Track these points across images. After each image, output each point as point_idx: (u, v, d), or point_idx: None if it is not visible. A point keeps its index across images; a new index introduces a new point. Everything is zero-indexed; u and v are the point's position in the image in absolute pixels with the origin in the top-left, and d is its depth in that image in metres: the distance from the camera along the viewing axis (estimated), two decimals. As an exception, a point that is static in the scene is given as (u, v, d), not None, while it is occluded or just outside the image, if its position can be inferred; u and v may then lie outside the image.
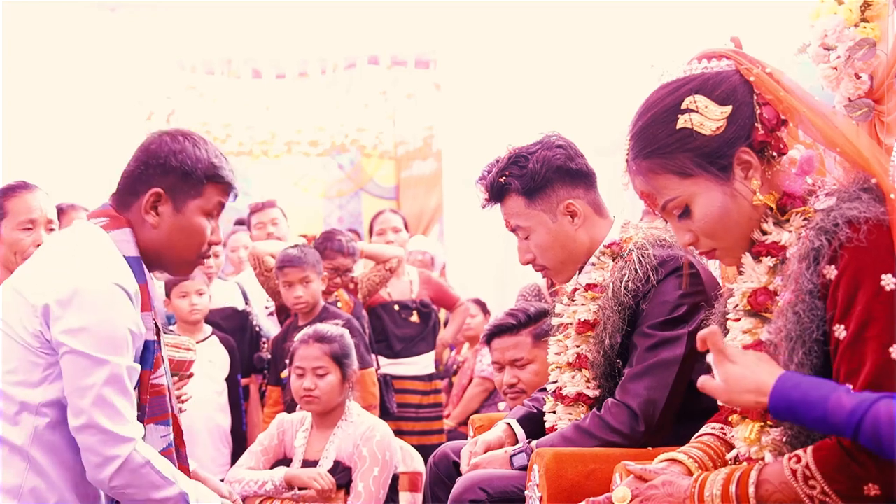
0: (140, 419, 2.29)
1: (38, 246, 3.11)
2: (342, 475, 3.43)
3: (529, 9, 6.88)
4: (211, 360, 4.61)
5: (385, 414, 4.70)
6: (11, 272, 3.08)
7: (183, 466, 2.42)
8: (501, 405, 5.25)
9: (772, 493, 1.68)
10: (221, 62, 8.88)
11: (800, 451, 1.67)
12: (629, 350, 2.49)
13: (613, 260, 2.59)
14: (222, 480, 2.54)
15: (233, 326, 5.02)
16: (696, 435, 2.09)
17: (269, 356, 4.82)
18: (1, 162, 6.25)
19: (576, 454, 2.37)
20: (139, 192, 2.33)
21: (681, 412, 2.45)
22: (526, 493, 2.41)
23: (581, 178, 2.64)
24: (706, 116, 1.83)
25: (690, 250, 2.05)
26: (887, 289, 1.62)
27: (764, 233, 1.85)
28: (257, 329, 5.11)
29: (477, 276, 7.27)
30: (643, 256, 2.51)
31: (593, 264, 2.61)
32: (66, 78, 7.46)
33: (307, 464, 3.51)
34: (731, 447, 1.96)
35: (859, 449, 1.59)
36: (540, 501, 2.32)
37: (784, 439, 1.74)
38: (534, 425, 2.74)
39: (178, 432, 2.45)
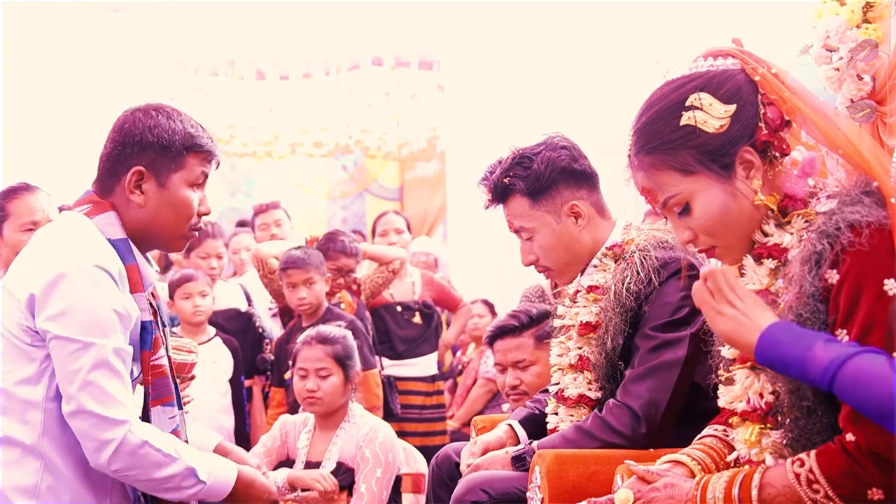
0: (146, 402, 2.29)
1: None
2: (345, 476, 3.43)
3: (533, 10, 6.88)
4: (214, 361, 4.62)
5: (388, 415, 4.70)
6: (14, 274, 3.11)
7: None
8: (505, 406, 5.24)
9: (775, 496, 1.68)
10: (225, 63, 8.89)
11: (803, 455, 1.67)
12: (631, 352, 2.49)
13: (615, 262, 2.58)
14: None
15: (236, 328, 5.03)
16: (699, 436, 2.09)
17: (273, 357, 4.83)
18: (3, 163, 6.26)
19: (577, 455, 2.37)
20: (120, 174, 2.29)
21: (682, 413, 2.45)
22: (527, 494, 2.41)
23: (585, 178, 2.64)
24: (710, 114, 1.83)
25: (691, 250, 2.05)
26: (890, 293, 1.62)
27: (765, 234, 1.85)
28: (260, 330, 5.12)
29: (480, 278, 7.28)
30: (645, 258, 2.50)
31: (595, 266, 2.61)
32: (69, 79, 7.47)
33: (310, 465, 3.51)
34: (733, 449, 1.96)
35: (863, 453, 1.59)
36: (541, 503, 2.32)
37: (784, 441, 1.74)
38: (536, 426, 2.74)
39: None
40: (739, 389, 1.84)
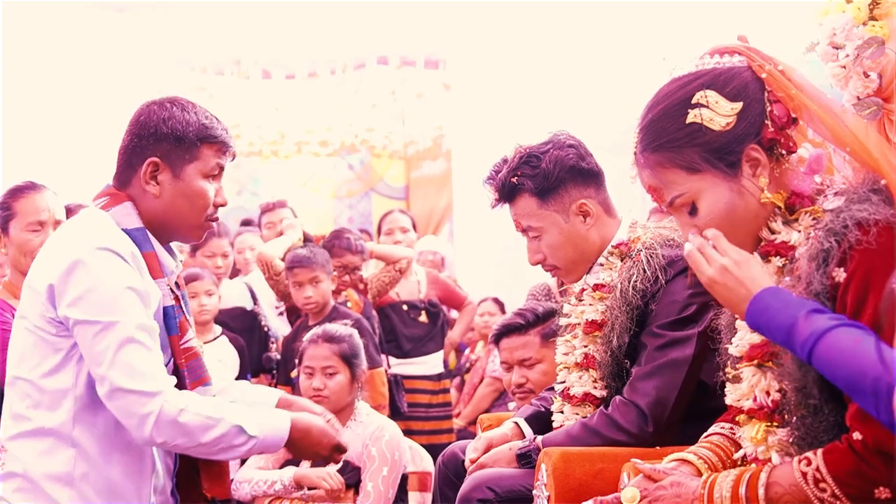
0: (183, 386, 2.31)
1: (48, 247, 3.12)
2: (351, 475, 3.43)
3: (538, 9, 6.88)
4: (220, 359, 4.62)
5: (395, 413, 4.70)
6: (21, 272, 3.12)
7: None
8: (511, 405, 5.24)
9: (781, 495, 1.67)
10: (231, 63, 8.90)
11: (810, 454, 1.66)
12: (637, 350, 2.49)
13: (622, 260, 2.58)
14: (231, 481, 2.51)
15: (241, 326, 5.03)
16: (705, 434, 2.09)
17: (279, 356, 4.83)
18: (9, 162, 6.27)
19: (584, 453, 2.36)
20: (136, 165, 2.33)
21: (688, 412, 2.44)
22: (534, 492, 2.40)
23: (592, 177, 2.63)
24: (716, 112, 1.82)
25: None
26: None
27: (772, 232, 1.84)
28: (266, 329, 5.12)
29: (486, 276, 7.28)
30: (651, 256, 2.50)
31: (601, 264, 2.60)
32: (74, 79, 7.49)
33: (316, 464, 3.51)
34: (739, 447, 1.96)
35: (870, 452, 1.58)
36: (548, 500, 2.31)
37: (791, 440, 1.74)
38: (542, 424, 2.73)
39: None
40: (746, 387, 1.84)
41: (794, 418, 1.73)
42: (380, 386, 4.53)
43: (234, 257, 5.57)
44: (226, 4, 8.04)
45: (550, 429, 2.66)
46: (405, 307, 5.38)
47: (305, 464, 3.53)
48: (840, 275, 1.67)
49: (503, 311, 6.15)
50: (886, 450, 1.57)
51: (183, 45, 8.53)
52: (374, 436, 3.48)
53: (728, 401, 1.94)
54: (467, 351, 6.62)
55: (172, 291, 2.35)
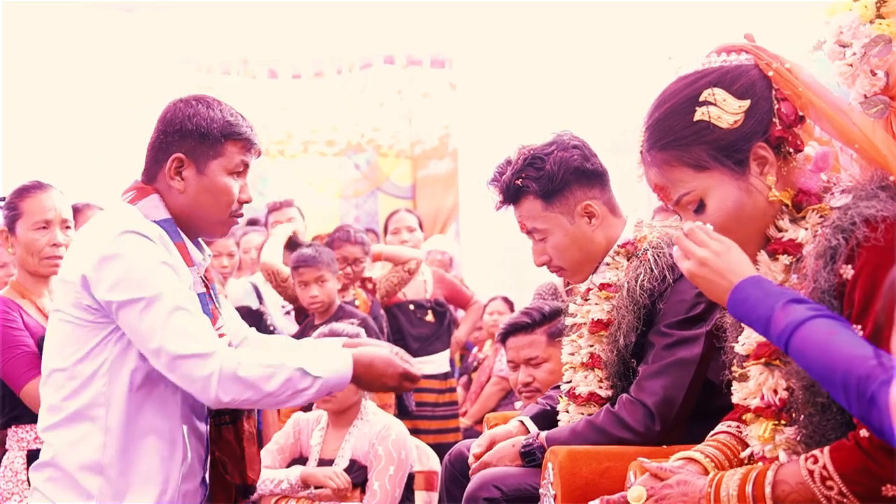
0: None
1: (54, 245, 3.13)
2: (358, 474, 3.43)
3: (544, 8, 6.87)
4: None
5: (403, 413, 4.71)
6: (28, 272, 3.13)
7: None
8: (518, 404, 5.25)
9: (788, 493, 1.67)
10: (237, 62, 8.90)
11: (817, 452, 1.66)
12: (644, 349, 2.48)
13: (628, 259, 2.57)
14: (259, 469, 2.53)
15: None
16: (712, 433, 2.08)
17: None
18: (17, 161, 6.29)
19: (590, 452, 2.36)
20: (162, 161, 2.38)
21: (695, 410, 2.44)
22: (540, 490, 2.40)
23: (597, 177, 2.62)
24: (724, 110, 1.81)
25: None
26: None
27: (779, 230, 1.84)
28: (272, 328, 5.12)
29: (493, 275, 7.27)
30: (658, 255, 2.49)
31: (607, 264, 2.60)
32: (82, 78, 7.50)
33: (323, 463, 3.51)
34: (746, 446, 1.95)
35: (877, 449, 1.58)
36: (554, 499, 2.31)
37: (798, 438, 1.74)
38: (547, 423, 2.73)
39: None
40: (753, 385, 1.84)
41: (802, 416, 1.73)
42: (386, 385, 4.52)
43: (239, 256, 5.57)
44: (232, 4, 8.04)
45: (556, 427, 2.66)
46: (412, 306, 5.38)
47: (312, 463, 3.53)
48: (848, 272, 1.66)
49: (512, 310, 6.15)
50: (894, 447, 1.57)
51: (190, 45, 8.54)
52: (380, 435, 3.48)
53: (735, 399, 1.93)
54: (475, 350, 6.63)
55: (203, 280, 2.40)
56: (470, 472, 2.65)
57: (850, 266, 1.66)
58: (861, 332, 1.62)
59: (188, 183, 2.37)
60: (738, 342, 1.90)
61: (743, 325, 1.91)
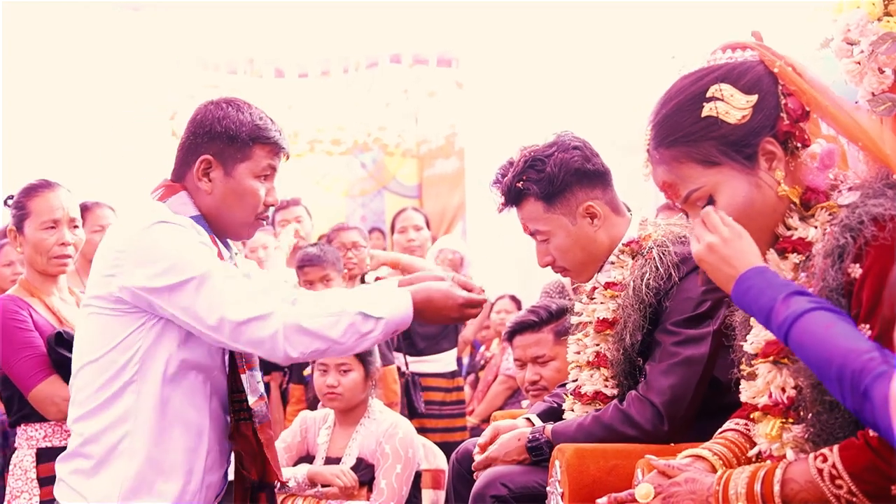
0: (235, 369, 2.39)
1: (62, 245, 3.13)
2: (365, 472, 3.43)
3: (551, 7, 6.87)
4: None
5: (412, 413, 4.71)
6: (37, 270, 3.13)
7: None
8: (525, 403, 5.25)
9: (797, 492, 1.66)
10: (244, 61, 8.91)
11: (826, 450, 1.66)
12: (651, 347, 2.48)
13: (633, 258, 2.56)
14: (232, 480, 2.54)
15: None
16: (720, 430, 2.08)
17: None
18: (24, 161, 6.30)
19: (597, 450, 2.36)
20: (191, 162, 2.40)
21: (701, 408, 2.43)
22: (548, 488, 2.40)
23: (598, 177, 2.61)
24: (732, 105, 1.81)
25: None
26: None
27: (789, 228, 1.83)
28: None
29: (500, 274, 7.27)
30: (664, 254, 2.49)
31: (612, 263, 2.59)
32: (89, 77, 7.51)
33: (330, 461, 3.52)
34: (754, 444, 1.95)
35: (887, 448, 1.57)
36: (561, 497, 2.31)
37: (806, 436, 1.73)
38: (554, 420, 2.72)
39: None
40: (762, 384, 1.83)
41: (810, 415, 1.72)
42: (391, 383, 4.54)
43: (245, 256, 5.58)
44: (239, 3, 8.05)
45: (563, 425, 2.66)
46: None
47: (319, 461, 3.53)
48: (856, 271, 1.66)
49: (519, 309, 6.16)
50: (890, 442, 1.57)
51: (196, 44, 8.55)
52: (387, 433, 3.48)
53: (743, 398, 1.93)
54: (482, 349, 6.63)
55: None
56: (473, 464, 2.65)
57: (858, 265, 1.66)
58: (869, 332, 1.62)
59: (215, 184, 2.39)
60: (746, 340, 1.90)
61: (751, 323, 1.91)
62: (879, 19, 2.54)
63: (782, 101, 1.83)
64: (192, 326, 2.25)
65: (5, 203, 3.28)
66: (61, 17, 7.39)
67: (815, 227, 1.80)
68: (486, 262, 7.64)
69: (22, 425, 3.06)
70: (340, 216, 10.09)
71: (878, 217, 1.65)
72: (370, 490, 3.43)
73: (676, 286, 2.45)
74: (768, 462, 1.78)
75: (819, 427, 1.71)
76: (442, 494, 3.67)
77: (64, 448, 2.95)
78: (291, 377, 4.72)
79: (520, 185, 2.58)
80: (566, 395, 2.70)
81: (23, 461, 3.02)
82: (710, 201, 1.84)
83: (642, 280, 2.48)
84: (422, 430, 4.34)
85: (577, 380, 2.65)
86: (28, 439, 3.04)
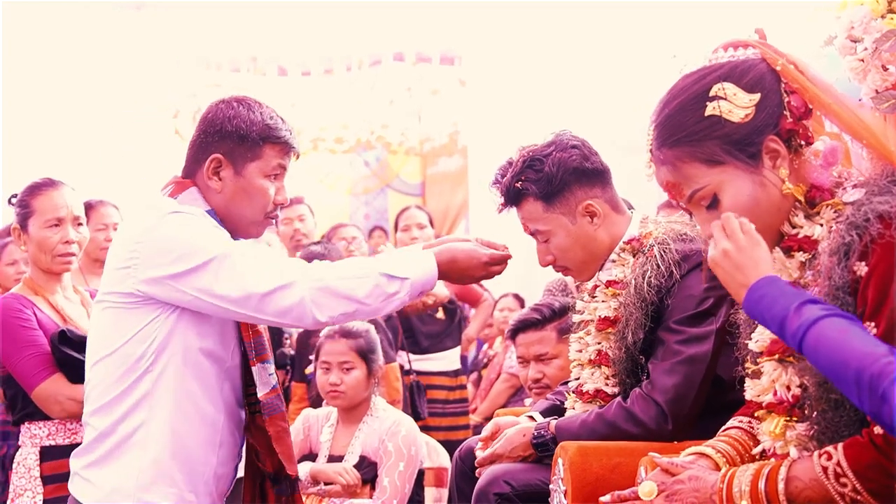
0: (246, 361, 2.40)
1: (66, 243, 3.14)
2: (368, 470, 3.43)
3: (554, 6, 6.87)
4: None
5: (416, 418, 4.71)
6: (41, 269, 3.13)
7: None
8: (528, 401, 5.26)
9: (802, 489, 1.66)
10: (246, 60, 8.91)
11: (830, 448, 1.65)
12: (653, 346, 2.47)
13: (634, 256, 2.56)
14: (240, 478, 2.55)
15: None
16: (724, 428, 2.07)
17: (293, 352, 4.84)
18: (26, 160, 6.31)
19: (601, 447, 2.36)
20: (201, 160, 2.41)
21: (705, 406, 2.43)
22: (550, 486, 2.40)
23: (597, 176, 2.60)
24: (735, 104, 1.81)
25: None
26: None
27: (794, 226, 1.83)
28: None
29: (503, 273, 7.27)
30: (665, 251, 2.48)
31: (614, 261, 2.59)
32: (91, 76, 7.52)
33: (333, 459, 3.52)
34: (758, 442, 1.95)
35: (892, 446, 1.57)
36: (564, 495, 2.31)
37: (811, 434, 1.73)
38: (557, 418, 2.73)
39: None
40: (766, 382, 1.83)
41: (815, 413, 1.72)
42: (394, 381, 4.54)
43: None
44: (241, 2, 8.06)
45: (566, 422, 2.66)
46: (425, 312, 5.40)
47: (322, 459, 3.54)
48: (861, 269, 1.65)
49: (523, 307, 6.16)
50: None
51: (199, 42, 8.56)
52: (390, 431, 3.49)
53: (748, 396, 1.92)
54: (485, 347, 6.63)
55: None
56: (477, 461, 2.65)
57: (863, 263, 1.65)
58: (874, 330, 1.61)
59: (225, 183, 2.40)
60: (751, 339, 1.90)
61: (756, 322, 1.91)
62: (883, 16, 2.54)
63: (785, 98, 1.82)
64: (216, 307, 2.26)
65: (9, 202, 3.28)
66: (63, 17, 7.39)
67: (821, 225, 1.79)
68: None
69: (26, 423, 3.07)
70: (344, 214, 10.09)
71: (883, 214, 1.65)
72: (373, 488, 3.43)
73: (678, 284, 2.44)
74: (772, 460, 1.78)
75: (824, 425, 1.71)
76: (445, 492, 3.67)
77: (67, 446, 2.97)
78: (293, 375, 4.72)
79: (518, 185, 2.57)
80: (567, 393, 2.70)
81: (26, 459, 3.02)
82: (715, 200, 1.84)
83: (644, 278, 2.47)
84: (425, 429, 4.35)
85: (578, 378, 2.64)
86: (32, 437, 3.05)
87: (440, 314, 5.47)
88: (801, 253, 1.81)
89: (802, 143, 1.83)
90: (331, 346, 3.60)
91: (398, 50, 8.98)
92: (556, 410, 2.76)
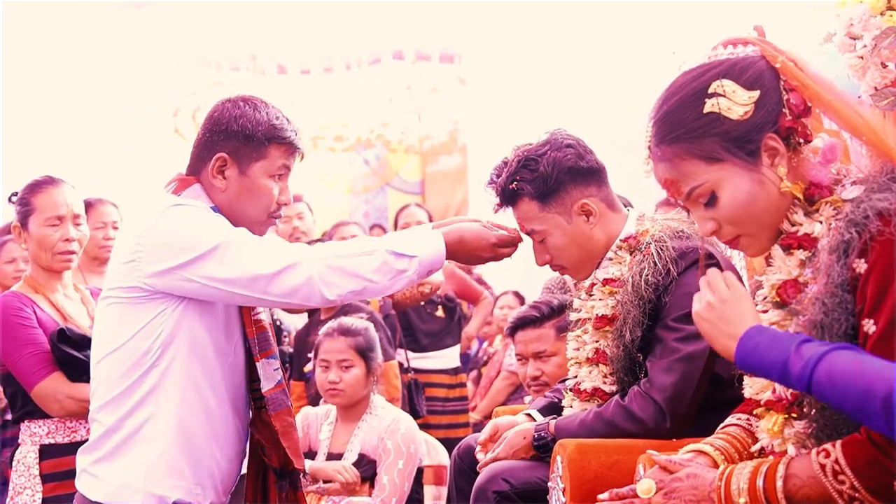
0: (250, 356, 2.41)
1: (67, 241, 3.14)
2: (367, 468, 3.44)
3: (553, 4, 6.86)
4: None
5: (414, 416, 4.72)
6: (41, 267, 3.13)
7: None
8: (527, 399, 5.26)
9: (799, 487, 1.66)
10: (246, 58, 8.91)
11: (828, 446, 1.65)
12: (651, 343, 2.47)
13: (631, 254, 2.55)
14: (244, 475, 2.55)
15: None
16: (722, 425, 2.07)
17: (291, 350, 4.84)
18: (26, 158, 6.31)
19: (599, 445, 2.36)
20: (206, 159, 2.42)
21: (703, 404, 2.43)
22: (549, 484, 2.40)
23: (593, 175, 2.59)
24: (734, 101, 1.80)
25: (712, 241, 2.03)
26: None
27: (793, 224, 1.83)
28: (278, 323, 5.11)
29: (503, 270, 7.27)
30: (662, 249, 2.48)
31: (610, 259, 2.58)
32: (91, 75, 7.52)
33: (332, 457, 3.52)
34: (757, 439, 1.95)
35: (890, 444, 1.56)
36: (563, 492, 2.31)
37: (809, 432, 1.73)
38: (556, 416, 2.73)
39: None
40: (766, 380, 1.83)
41: (814, 411, 1.72)
42: (393, 379, 4.55)
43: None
44: (241, 1, 8.06)
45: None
46: (422, 302, 5.39)
47: (321, 457, 3.54)
48: (861, 266, 1.65)
49: (523, 305, 6.16)
50: None
51: (198, 41, 8.56)
52: (389, 429, 3.49)
53: (747, 394, 1.92)
54: (485, 344, 6.64)
55: None
56: (479, 466, 2.65)
57: (863, 260, 1.64)
58: (873, 327, 1.61)
59: (230, 182, 2.40)
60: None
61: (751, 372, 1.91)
62: (882, 13, 2.54)
63: (784, 96, 1.82)
64: (225, 292, 2.27)
65: (9, 200, 3.28)
66: (63, 16, 7.40)
67: (820, 223, 1.79)
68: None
69: (25, 421, 3.07)
70: (343, 213, 10.10)
71: (883, 212, 1.64)
72: (372, 486, 3.43)
73: (675, 281, 2.44)
74: (771, 457, 1.78)
75: (822, 423, 1.70)
76: (444, 490, 3.67)
77: (67, 444, 2.98)
78: (292, 374, 4.72)
79: (514, 185, 2.57)
80: (565, 391, 2.70)
81: (26, 457, 3.02)
82: (713, 198, 1.84)
83: (641, 276, 2.47)
84: (424, 427, 4.35)
85: (576, 376, 2.64)
86: (31, 436, 3.05)
87: (440, 312, 5.47)
88: (800, 250, 1.80)
89: (801, 140, 1.83)
90: (330, 344, 3.60)
91: (398, 48, 8.98)
92: (555, 408, 2.76)
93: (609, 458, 2.32)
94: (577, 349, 2.64)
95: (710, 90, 1.81)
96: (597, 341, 2.58)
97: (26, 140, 6.86)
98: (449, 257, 2.36)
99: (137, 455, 2.30)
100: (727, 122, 1.80)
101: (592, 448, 2.34)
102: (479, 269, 7.32)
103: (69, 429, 3.03)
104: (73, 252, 3.15)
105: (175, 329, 2.30)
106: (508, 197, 2.60)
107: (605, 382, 2.56)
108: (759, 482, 1.70)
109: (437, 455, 3.84)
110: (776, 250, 1.84)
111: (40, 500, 2.97)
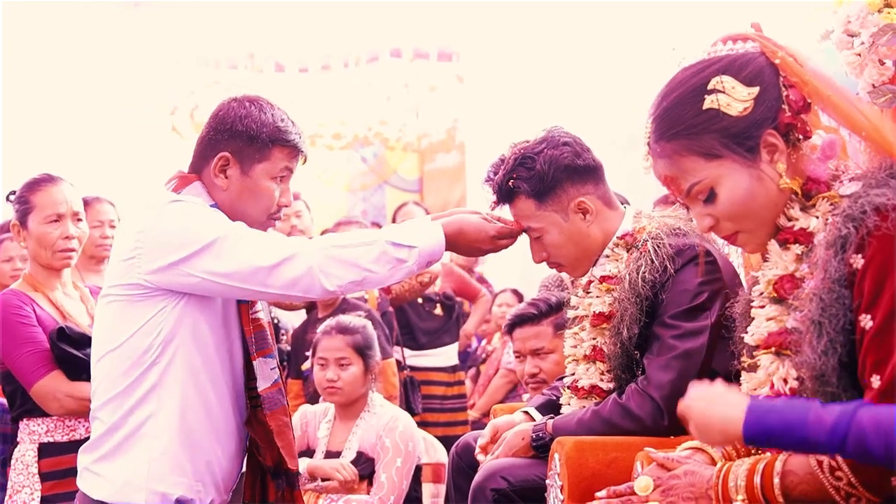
0: (247, 354, 2.41)
1: (66, 239, 3.13)
2: (365, 466, 3.44)
3: (552, 2, 6.86)
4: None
5: (411, 413, 4.72)
6: (41, 265, 3.14)
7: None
8: (525, 397, 5.26)
9: (797, 483, 1.66)
10: (244, 56, 8.91)
11: (826, 443, 1.65)
12: (649, 341, 2.47)
13: (628, 251, 2.56)
14: (243, 473, 2.56)
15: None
16: (720, 423, 2.08)
17: (289, 348, 4.84)
18: (24, 157, 6.31)
19: (597, 442, 2.36)
20: (209, 157, 2.41)
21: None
22: (547, 481, 2.41)
23: (589, 173, 2.60)
24: (733, 97, 1.80)
25: (711, 238, 2.03)
26: None
27: (790, 219, 1.83)
28: (275, 321, 5.11)
29: (502, 268, 7.28)
30: (659, 246, 2.48)
31: (607, 256, 2.59)
32: (89, 74, 7.52)
33: (330, 455, 3.52)
34: (755, 437, 1.95)
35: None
36: (561, 490, 2.31)
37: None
38: (553, 413, 2.73)
39: None
40: (763, 375, 1.83)
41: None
42: (391, 376, 4.55)
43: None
44: (239, -1, 8.07)
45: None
46: (420, 300, 5.40)
47: (319, 455, 3.54)
48: (858, 261, 1.64)
49: (522, 302, 6.16)
50: None
51: (196, 39, 8.56)
52: (388, 427, 3.49)
53: (744, 390, 1.92)
54: (484, 342, 6.64)
55: None
56: (479, 467, 2.65)
57: (860, 255, 1.64)
58: (871, 323, 1.61)
59: (231, 182, 2.40)
60: (746, 332, 1.90)
61: (752, 315, 1.90)
62: (880, 11, 2.54)
63: (784, 92, 1.82)
64: (225, 286, 2.27)
65: (7, 199, 3.28)
66: (61, 15, 7.39)
67: (817, 218, 1.79)
68: (488, 256, 7.64)
69: (24, 420, 3.07)
70: (341, 211, 10.09)
71: (880, 207, 1.64)
72: (370, 484, 3.43)
73: (672, 278, 2.44)
74: (768, 454, 1.78)
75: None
76: (442, 488, 3.67)
77: (66, 443, 2.98)
78: (289, 372, 4.72)
79: (510, 183, 2.57)
80: (563, 389, 2.70)
81: (24, 455, 3.02)
82: (712, 194, 1.84)
83: (638, 273, 2.47)
84: (423, 425, 4.36)
85: (573, 374, 2.65)
86: (30, 434, 3.05)
87: (438, 310, 5.48)
88: (796, 245, 1.81)
89: (800, 137, 1.83)
90: (328, 343, 3.60)
91: (396, 46, 8.98)
92: (553, 405, 2.77)
93: (607, 455, 2.32)
94: (575, 346, 2.64)
95: (710, 86, 1.81)
96: (594, 338, 2.58)
97: (24, 138, 6.86)
98: (448, 248, 2.37)
99: (140, 452, 2.30)
100: (726, 119, 1.80)
101: (590, 446, 2.34)
102: (480, 267, 7.33)
103: (68, 427, 3.03)
104: (73, 249, 3.15)
105: (175, 326, 2.30)
106: (505, 194, 2.60)
107: (602, 380, 2.56)
108: (757, 479, 1.70)
109: (435, 453, 3.84)
110: (772, 245, 1.84)
111: (39, 499, 2.97)
